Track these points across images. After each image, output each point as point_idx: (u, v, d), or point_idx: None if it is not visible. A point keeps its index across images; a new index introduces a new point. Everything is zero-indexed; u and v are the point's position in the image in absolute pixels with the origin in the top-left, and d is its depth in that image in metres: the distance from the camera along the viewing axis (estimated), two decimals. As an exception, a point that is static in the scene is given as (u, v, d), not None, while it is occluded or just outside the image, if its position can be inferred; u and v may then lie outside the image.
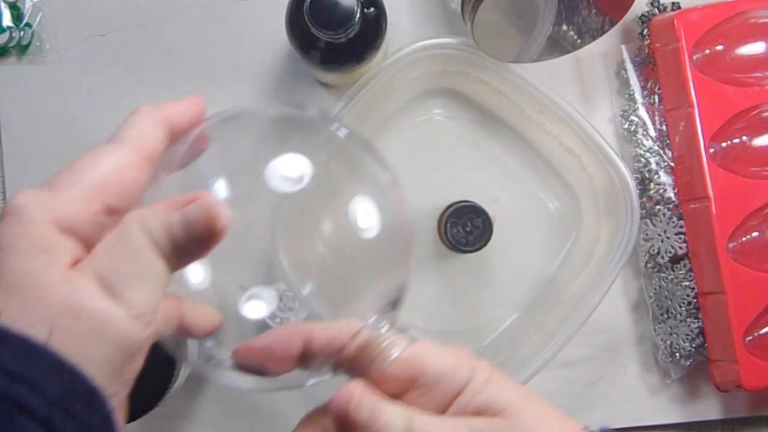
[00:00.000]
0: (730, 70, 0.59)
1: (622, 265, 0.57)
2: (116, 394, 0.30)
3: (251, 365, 0.37)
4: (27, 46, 0.61)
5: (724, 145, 0.58)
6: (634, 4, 0.54)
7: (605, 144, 0.57)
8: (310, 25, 0.49)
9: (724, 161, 0.58)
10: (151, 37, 0.61)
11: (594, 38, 0.56)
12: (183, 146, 0.36)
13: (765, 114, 0.58)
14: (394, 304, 0.39)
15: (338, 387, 0.36)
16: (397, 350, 0.36)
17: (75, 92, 0.61)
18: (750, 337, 0.57)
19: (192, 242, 0.32)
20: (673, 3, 0.62)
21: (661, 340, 0.60)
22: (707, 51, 0.59)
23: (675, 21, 0.58)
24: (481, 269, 0.61)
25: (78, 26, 0.61)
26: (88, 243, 0.32)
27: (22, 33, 0.61)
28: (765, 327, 0.58)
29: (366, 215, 0.38)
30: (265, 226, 0.38)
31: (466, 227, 0.57)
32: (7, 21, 0.61)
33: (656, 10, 0.61)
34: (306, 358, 0.37)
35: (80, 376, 0.28)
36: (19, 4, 0.61)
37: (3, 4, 0.61)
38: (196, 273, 0.35)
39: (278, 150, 0.37)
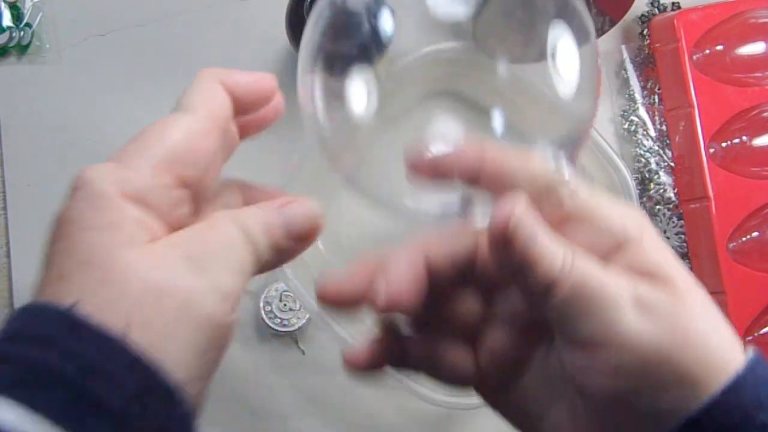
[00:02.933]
0: (730, 70, 0.59)
1: (622, 265, 0.57)
2: (196, 382, 0.29)
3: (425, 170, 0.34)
4: (27, 46, 0.61)
5: (724, 145, 0.58)
6: (634, 4, 0.54)
7: (605, 144, 0.57)
8: (310, 25, 0.49)
9: (724, 161, 0.58)
10: (151, 37, 0.61)
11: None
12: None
13: (765, 114, 0.58)
14: (576, 142, 0.36)
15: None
16: (573, 190, 0.32)
17: (75, 92, 0.61)
18: (750, 338, 0.57)
19: (290, 243, 0.32)
20: (673, 3, 0.62)
21: (661, 340, 0.60)
22: (707, 51, 0.59)
23: (675, 21, 0.58)
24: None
25: (78, 26, 0.61)
26: (161, 217, 0.30)
27: (22, 33, 0.61)
28: (765, 327, 0.58)
29: (568, 33, 0.36)
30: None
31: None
32: (7, 21, 0.61)
33: (656, 10, 0.61)
34: (475, 178, 0.33)
35: (159, 374, 0.27)
36: (19, 4, 0.61)
37: (3, 4, 0.61)
38: None
39: None
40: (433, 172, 0.33)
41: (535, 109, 0.36)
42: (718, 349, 0.30)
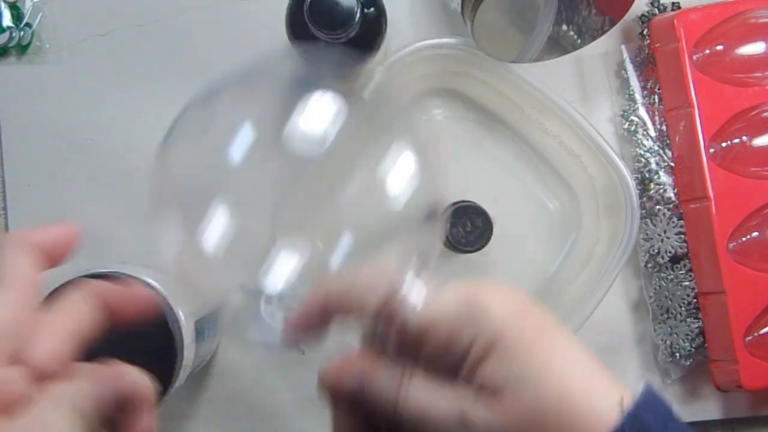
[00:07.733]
0: (730, 70, 0.59)
1: (622, 265, 0.57)
2: None
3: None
4: (27, 46, 0.61)
5: (724, 145, 0.58)
6: (634, 4, 0.54)
7: (605, 144, 0.57)
8: (310, 25, 0.49)
9: (724, 161, 0.58)
10: (151, 37, 0.61)
11: (594, 38, 0.56)
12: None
13: (765, 114, 0.58)
14: (423, 257, 0.37)
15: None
16: (417, 304, 0.35)
17: (75, 92, 0.61)
18: (750, 337, 0.57)
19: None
20: (673, 3, 0.62)
21: (661, 340, 0.60)
22: (707, 51, 0.59)
23: (675, 21, 0.58)
24: (481, 269, 0.61)
25: (78, 26, 0.61)
26: None
27: (22, 33, 0.61)
28: (765, 327, 0.58)
29: (400, 176, 0.37)
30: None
31: (466, 227, 0.57)
32: (7, 21, 0.61)
33: (656, 10, 0.61)
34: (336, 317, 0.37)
35: None
36: (19, 4, 0.61)
37: (3, 4, 0.61)
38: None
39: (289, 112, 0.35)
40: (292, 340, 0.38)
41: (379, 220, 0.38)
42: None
